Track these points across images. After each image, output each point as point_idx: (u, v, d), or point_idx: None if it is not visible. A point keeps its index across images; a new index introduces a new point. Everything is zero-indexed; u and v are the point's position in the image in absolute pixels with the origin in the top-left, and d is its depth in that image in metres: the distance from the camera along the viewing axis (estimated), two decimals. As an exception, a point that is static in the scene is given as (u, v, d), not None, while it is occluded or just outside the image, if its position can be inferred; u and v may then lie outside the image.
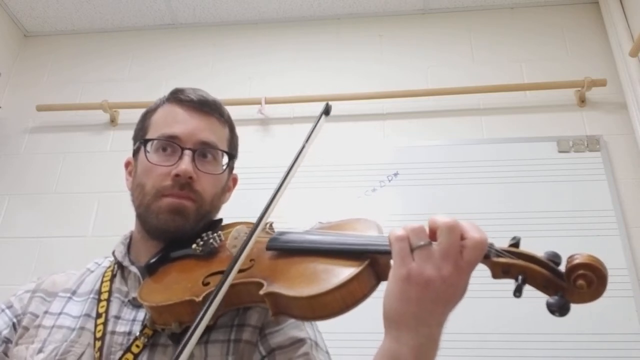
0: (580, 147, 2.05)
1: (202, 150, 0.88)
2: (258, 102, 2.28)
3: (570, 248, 2.02)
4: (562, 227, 1.89)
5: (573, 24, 2.37)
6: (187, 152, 0.85)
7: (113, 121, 2.43)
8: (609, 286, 0.57)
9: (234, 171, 0.99)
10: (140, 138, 0.92)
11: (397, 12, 2.52)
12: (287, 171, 0.77)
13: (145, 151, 0.88)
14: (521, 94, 2.22)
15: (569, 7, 2.41)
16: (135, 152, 0.93)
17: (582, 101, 2.17)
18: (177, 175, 0.83)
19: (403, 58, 2.41)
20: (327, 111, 0.84)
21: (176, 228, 0.84)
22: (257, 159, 2.14)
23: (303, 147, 0.79)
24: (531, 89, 2.21)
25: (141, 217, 0.88)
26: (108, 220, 2.20)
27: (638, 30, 2.12)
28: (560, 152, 2.05)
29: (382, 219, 2.13)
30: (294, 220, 1.83)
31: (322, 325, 0.75)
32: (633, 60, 2.10)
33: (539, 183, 1.99)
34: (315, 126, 0.82)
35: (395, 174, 2.08)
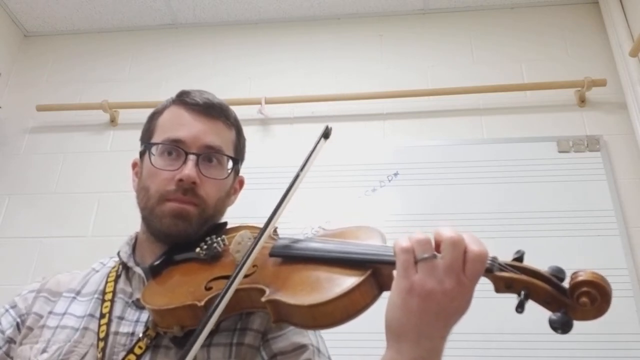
0: (580, 147, 2.05)
1: (207, 155, 0.88)
2: (258, 102, 2.28)
3: (570, 248, 2.02)
4: (562, 227, 1.89)
5: (573, 24, 2.37)
6: (191, 157, 0.85)
7: (113, 121, 2.43)
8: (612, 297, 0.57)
9: (241, 173, 0.99)
10: (147, 140, 0.92)
11: (397, 12, 2.52)
12: (289, 187, 0.76)
13: (150, 154, 0.88)
14: (521, 94, 2.22)
15: (569, 7, 2.41)
16: (142, 154, 0.93)
17: (582, 101, 2.17)
18: (180, 180, 0.83)
19: (403, 58, 2.41)
20: (326, 134, 0.82)
21: (179, 232, 0.84)
22: (257, 159, 2.13)
23: (301, 170, 0.78)
24: (531, 89, 2.21)
25: (146, 220, 0.89)
26: (108, 220, 2.20)
27: (638, 30, 2.12)
28: (560, 152, 2.05)
29: (382, 219, 2.14)
30: (294, 219, 1.83)
31: (322, 326, 0.75)
32: (633, 60, 2.10)
33: (539, 183, 1.99)
34: (314, 149, 0.79)
35: (395, 174, 2.08)
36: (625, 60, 2.13)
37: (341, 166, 2.14)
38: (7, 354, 0.84)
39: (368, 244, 0.71)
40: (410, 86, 2.27)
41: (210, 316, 0.64)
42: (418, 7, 2.49)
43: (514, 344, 1.74)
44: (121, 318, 0.82)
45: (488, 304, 1.59)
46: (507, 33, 2.39)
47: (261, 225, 0.75)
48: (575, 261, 1.78)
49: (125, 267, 0.90)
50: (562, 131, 2.11)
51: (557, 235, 1.87)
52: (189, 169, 0.84)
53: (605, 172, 1.99)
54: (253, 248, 0.70)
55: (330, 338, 0.88)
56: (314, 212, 1.98)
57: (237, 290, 0.69)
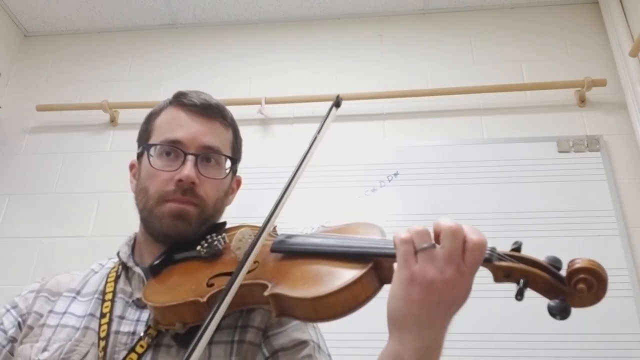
0: (580, 147, 2.05)
1: (205, 155, 0.88)
2: (258, 102, 2.28)
3: (570, 248, 2.02)
4: (562, 227, 1.89)
5: (573, 24, 2.37)
6: (190, 157, 0.86)
7: (113, 121, 2.43)
8: (609, 286, 0.58)
9: (238, 172, 1.00)
10: (144, 141, 0.92)
11: (397, 12, 2.52)
12: (295, 171, 0.77)
13: (149, 156, 0.88)
14: (521, 94, 2.22)
15: (569, 7, 2.41)
16: (139, 156, 0.93)
17: (582, 101, 2.17)
18: (179, 181, 0.84)
19: (403, 58, 2.41)
20: (337, 103, 0.84)
21: (179, 233, 0.85)
22: (257, 159, 2.14)
23: (315, 138, 0.79)
24: (531, 89, 2.22)
25: (145, 221, 0.89)
26: (108, 220, 2.20)
27: (638, 30, 2.12)
28: (560, 152, 2.05)
29: (382, 219, 2.14)
30: (294, 220, 1.83)
31: (322, 325, 0.76)
32: (633, 60, 2.11)
33: (539, 183, 1.99)
34: (327, 119, 0.81)
35: (395, 174, 2.08)
36: (625, 60, 2.13)
37: (341, 166, 2.14)
38: (11, 353, 0.84)
39: (368, 238, 0.71)
40: (410, 86, 2.28)
41: (217, 310, 0.64)
42: (418, 7, 2.49)
43: (513, 344, 1.73)
44: (122, 317, 0.82)
45: (487, 304, 1.60)
46: (507, 33, 2.39)
47: (261, 225, 0.75)
48: (575, 261, 1.77)
49: (124, 267, 0.90)
50: (562, 131, 2.11)
51: (557, 235, 1.87)
52: (188, 169, 0.84)
53: (605, 172, 1.99)
54: (258, 238, 0.71)
55: (330, 338, 0.89)
56: (314, 212, 1.99)
57: (239, 286, 0.69)
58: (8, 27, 2.63)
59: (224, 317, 0.74)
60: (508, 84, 2.22)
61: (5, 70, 2.59)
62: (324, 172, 2.10)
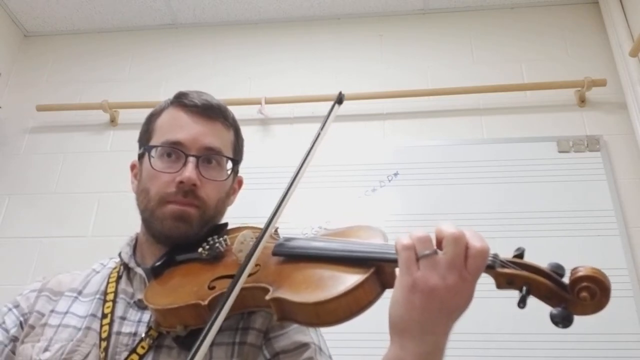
0: (580, 147, 2.05)
1: (207, 156, 0.88)
2: (258, 102, 2.28)
3: (570, 248, 2.02)
4: (562, 227, 1.89)
5: (573, 24, 2.37)
6: (191, 159, 0.85)
7: (113, 121, 2.43)
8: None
9: (241, 173, 0.99)
10: (145, 142, 0.92)
11: (397, 12, 2.52)
12: (296, 172, 0.76)
13: (150, 157, 0.88)
14: (521, 94, 2.22)
15: (569, 7, 2.41)
16: (141, 157, 0.93)
17: (582, 101, 2.17)
18: (181, 183, 0.84)
19: (403, 58, 2.41)
20: (340, 100, 0.84)
21: (180, 234, 0.85)
22: (257, 159, 2.14)
23: (318, 135, 0.79)
24: (531, 89, 2.22)
25: (146, 222, 0.89)
26: (108, 220, 2.20)
27: (638, 30, 2.12)
28: (560, 152, 2.05)
29: (382, 219, 2.14)
30: (295, 220, 1.84)
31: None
32: (633, 60, 2.11)
33: (539, 183, 1.99)
34: (329, 116, 0.81)
35: (395, 174, 2.08)
36: (625, 60, 2.13)
37: (341, 166, 2.14)
38: (13, 352, 0.84)
39: (370, 243, 0.71)
40: (410, 86, 2.27)
41: (218, 314, 0.64)
42: (418, 7, 2.49)
43: (514, 344, 1.74)
44: (123, 318, 0.82)
45: (488, 304, 1.59)
46: (507, 33, 2.39)
47: (262, 226, 0.74)
48: (575, 261, 1.77)
49: (126, 267, 0.90)
50: (562, 131, 2.11)
51: (557, 235, 1.87)
52: (189, 171, 0.84)
53: (605, 172, 1.99)
54: (260, 241, 0.70)
55: (331, 338, 0.89)
56: (314, 212, 1.99)
57: (240, 290, 0.69)
58: (8, 27, 2.63)
59: (225, 319, 0.75)
60: (508, 84, 2.22)
61: (5, 70, 2.59)
62: (324, 172, 2.10)
